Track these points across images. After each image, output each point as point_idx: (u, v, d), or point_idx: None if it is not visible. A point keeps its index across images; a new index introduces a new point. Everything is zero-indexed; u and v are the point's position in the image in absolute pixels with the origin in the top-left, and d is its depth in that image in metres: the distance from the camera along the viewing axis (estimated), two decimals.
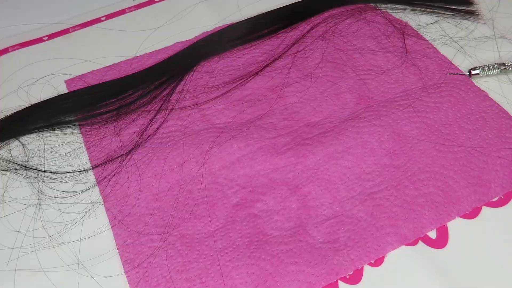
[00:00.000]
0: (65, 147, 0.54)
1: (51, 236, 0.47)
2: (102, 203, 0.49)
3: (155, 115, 0.56)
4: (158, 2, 0.72)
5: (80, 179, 0.51)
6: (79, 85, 0.59)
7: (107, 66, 0.61)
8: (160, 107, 0.56)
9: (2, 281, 0.45)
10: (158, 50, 0.63)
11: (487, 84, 0.57)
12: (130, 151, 0.53)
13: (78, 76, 0.61)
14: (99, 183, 0.50)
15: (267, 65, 0.60)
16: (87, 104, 0.57)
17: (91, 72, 0.61)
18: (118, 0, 0.72)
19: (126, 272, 0.44)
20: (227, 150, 0.51)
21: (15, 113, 0.56)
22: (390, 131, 0.52)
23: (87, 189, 0.50)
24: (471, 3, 0.67)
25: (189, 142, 0.53)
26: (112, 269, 0.45)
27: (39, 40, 0.68)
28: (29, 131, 0.55)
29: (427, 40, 0.62)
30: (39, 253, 0.46)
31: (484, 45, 0.62)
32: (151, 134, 0.54)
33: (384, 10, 0.67)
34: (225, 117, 0.55)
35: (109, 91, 0.58)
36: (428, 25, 0.65)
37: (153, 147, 0.53)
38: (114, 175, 0.51)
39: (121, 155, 0.52)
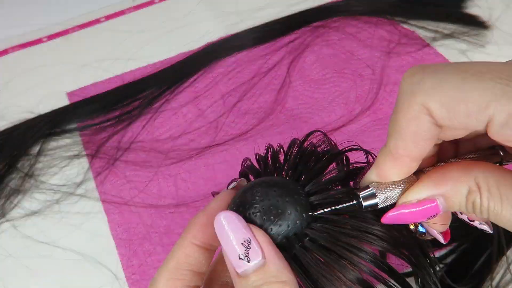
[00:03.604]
0: (66, 154, 0.53)
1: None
2: (106, 220, 0.48)
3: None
4: (157, 2, 0.70)
5: (85, 195, 0.50)
6: (81, 97, 0.58)
7: (109, 78, 0.60)
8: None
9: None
10: (162, 60, 0.62)
11: None
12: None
13: (79, 88, 0.60)
14: (103, 201, 0.49)
15: (268, 72, 0.59)
16: (88, 114, 0.56)
17: (94, 84, 0.59)
18: (118, 1, 0.70)
19: None
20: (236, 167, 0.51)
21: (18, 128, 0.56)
22: None
23: (89, 200, 0.50)
24: (482, 24, 0.65)
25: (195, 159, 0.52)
26: None
27: (38, 41, 0.66)
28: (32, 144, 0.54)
29: (435, 49, 0.61)
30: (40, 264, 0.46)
31: (493, 57, 0.61)
32: (155, 147, 0.53)
33: (396, 23, 0.65)
34: (232, 129, 0.54)
35: (110, 100, 0.57)
36: (439, 37, 0.63)
37: (157, 161, 0.52)
38: (117, 191, 0.50)
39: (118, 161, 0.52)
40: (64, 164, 0.53)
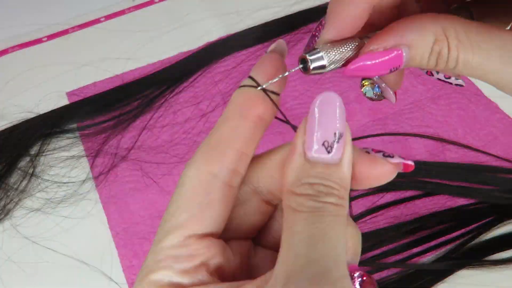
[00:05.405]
0: (66, 154, 0.54)
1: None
2: (106, 221, 0.48)
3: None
4: (157, 2, 0.70)
5: (85, 195, 0.50)
6: (80, 96, 0.58)
7: (109, 78, 0.60)
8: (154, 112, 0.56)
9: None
10: (161, 60, 0.62)
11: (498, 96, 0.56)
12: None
13: (79, 88, 0.60)
14: (103, 201, 0.49)
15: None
16: (87, 114, 0.56)
17: (93, 84, 0.60)
18: (118, 1, 0.70)
19: None
20: None
21: (18, 127, 0.55)
22: (399, 148, 0.51)
23: (88, 200, 0.50)
24: None
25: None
26: None
27: (38, 41, 0.66)
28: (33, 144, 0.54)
29: None
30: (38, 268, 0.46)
31: None
32: (156, 147, 0.53)
33: None
34: None
35: (110, 100, 0.57)
36: None
37: (157, 161, 0.52)
38: (117, 191, 0.50)
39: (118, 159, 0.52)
40: (64, 164, 0.53)
